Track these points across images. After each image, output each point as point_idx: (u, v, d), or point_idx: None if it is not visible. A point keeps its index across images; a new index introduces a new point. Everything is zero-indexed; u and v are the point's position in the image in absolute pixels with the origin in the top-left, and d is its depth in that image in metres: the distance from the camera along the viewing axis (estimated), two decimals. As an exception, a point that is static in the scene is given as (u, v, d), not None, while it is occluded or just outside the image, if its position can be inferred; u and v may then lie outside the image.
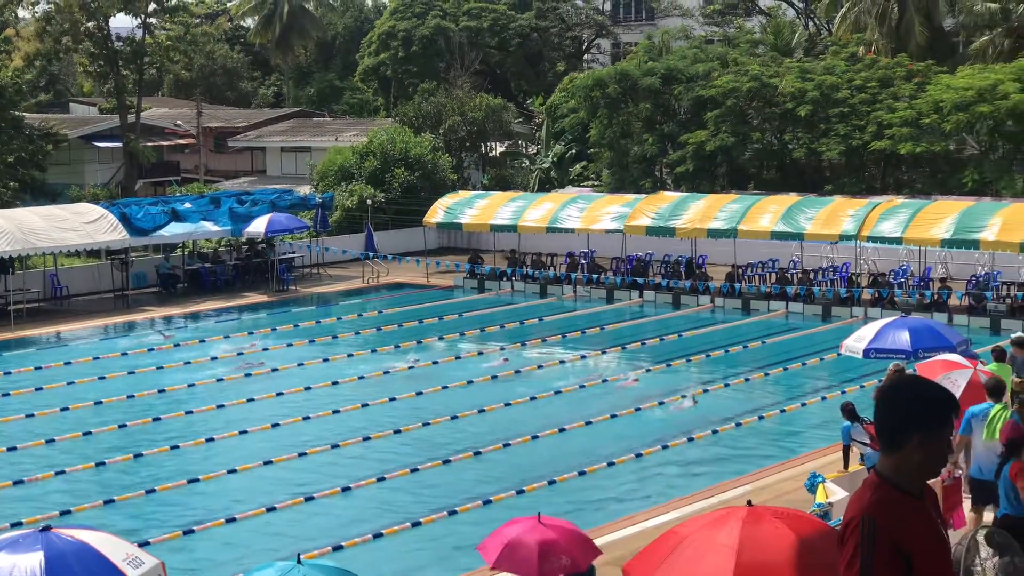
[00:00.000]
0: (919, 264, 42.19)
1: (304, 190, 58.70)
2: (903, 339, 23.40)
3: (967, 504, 17.74)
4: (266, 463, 25.14)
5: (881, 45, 58.60)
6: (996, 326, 36.67)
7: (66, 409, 29.52)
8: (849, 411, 20.50)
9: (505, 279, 46.82)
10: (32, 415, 29.02)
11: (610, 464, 24.74)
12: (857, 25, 60.20)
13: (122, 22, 77.58)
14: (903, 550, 5.72)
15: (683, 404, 29.53)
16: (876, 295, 40.03)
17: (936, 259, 43.84)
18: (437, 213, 49.73)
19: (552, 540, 12.91)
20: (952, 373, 19.72)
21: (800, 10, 73.69)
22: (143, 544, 17.60)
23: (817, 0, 67.67)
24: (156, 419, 28.67)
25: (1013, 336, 23.53)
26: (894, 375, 20.88)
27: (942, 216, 39.39)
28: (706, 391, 30.71)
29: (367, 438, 26.87)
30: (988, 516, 16.33)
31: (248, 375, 33.26)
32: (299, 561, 12.08)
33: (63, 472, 24.59)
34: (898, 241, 39.93)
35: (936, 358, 21.34)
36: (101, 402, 30.25)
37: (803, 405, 29.27)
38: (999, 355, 22.16)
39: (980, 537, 11.51)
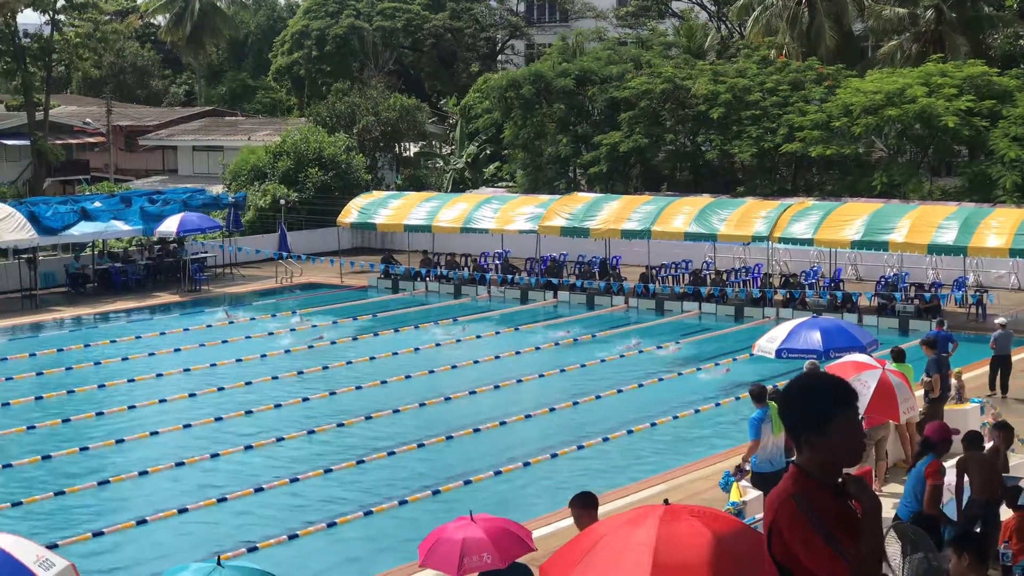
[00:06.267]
0: (830, 265, 42.67)
1: (216, 189, 58.17)
2: (814, 339, 23.74)
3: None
4: (178, 464, 24.92)
5: (792, 49, 59.19)
6: (904, 326, 37.19)
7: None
8: (757, 394, 19.57)
9: (419, 279, 46.75)
10: (-63, 417, 28.53)
11: (525, 464, 24.77)
12: (768, 29, 60.74)
13: (30, 18, 76.44)
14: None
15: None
16: (788, 296, 40.46)
17: (846, 260, 44.39)
18: (351, 213, 49.56)
19: (476, 538, 12.96)
20: (862, 374, 19.93)
21: (712, 13, 74.18)
22: (52, 546, 17.33)
23: (729, 3, 68.12)
24: (66, 420, 28.29)
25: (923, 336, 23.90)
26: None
27: (852, 218, 39.87)
28: (620, 391, 30.84)
29: (280, 439, 26.71)
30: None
31: (159, 375, 32.94)
32: (219, 562, 11.93)
33: (-30, 475, 24.22)
34: (809, 242, 40.38)
35: (846, 359, 21.58)
36: (8, 404, 29.80)
37: (717, 405, 29.49)
38: (898, 355, 22.55)
39: (891, 534, 11.66)
